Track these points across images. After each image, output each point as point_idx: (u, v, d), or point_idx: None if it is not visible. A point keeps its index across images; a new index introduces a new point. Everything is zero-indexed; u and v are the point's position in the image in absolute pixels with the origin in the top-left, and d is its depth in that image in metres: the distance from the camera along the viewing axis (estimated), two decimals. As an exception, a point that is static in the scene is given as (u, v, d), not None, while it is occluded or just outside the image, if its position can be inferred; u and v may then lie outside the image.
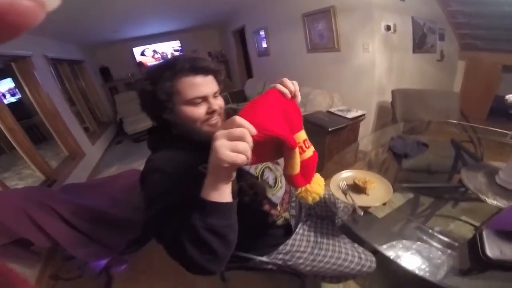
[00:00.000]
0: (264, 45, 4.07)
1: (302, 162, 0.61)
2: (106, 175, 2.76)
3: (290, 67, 3.60)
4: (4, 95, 4.88)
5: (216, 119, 0.75)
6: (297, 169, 0.59)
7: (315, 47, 2.98)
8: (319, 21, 2.72)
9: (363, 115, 2.29)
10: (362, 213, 0.88)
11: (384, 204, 0.96)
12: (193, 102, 0.70)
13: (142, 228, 1.54)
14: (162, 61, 0.73)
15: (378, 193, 0.95)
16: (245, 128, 0.47)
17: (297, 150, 0.57)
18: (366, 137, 2.20)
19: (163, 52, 5.85)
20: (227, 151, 0.46)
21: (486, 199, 0.86)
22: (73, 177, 2.73)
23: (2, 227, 1.35)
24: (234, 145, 0.46)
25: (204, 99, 0.72)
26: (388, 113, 2.28)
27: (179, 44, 5.88)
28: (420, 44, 2.54)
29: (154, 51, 5.80)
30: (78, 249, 1.52)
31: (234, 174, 0.53)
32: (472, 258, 0.65)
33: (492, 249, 0.60)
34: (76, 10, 2.44)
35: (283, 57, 3.70)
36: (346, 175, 1.07)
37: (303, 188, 0.64)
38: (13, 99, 5.05)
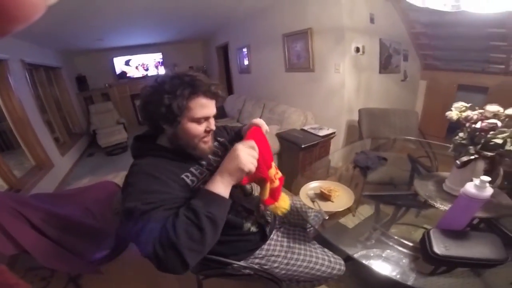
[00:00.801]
0: (246, 62, 4.24)
1: (271, 189, 0.86)
2: (76, 187, 2.66)
3: (269, 85, 3.76)
4: None
5: (209, 137, 0.85)
6: (267, 195, 0.84)
7: (292, 66, 3.17)
8: (297, 42, 2.92)
9: (334, 133, 2.46)
10: (327, 217, 0.98)
11: (353, 214, 1.08)
12: (198, 120, 0.79)
13: (123, 226, 1.48)
14: (176, 75, 0.78)
15: (342, 200, 1.06)
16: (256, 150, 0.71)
17: (268, 183, 0.82)
18: (336, 153, 2.36)
19: (143, 64, 5.84)
20: (249, 158, 0.68)
21: (435, 204, 0.99)
22: (39, 188, 2.59)
23: None
24: (252, 156, 0.69)
25: (206, 119, 0.81)
26: (356, 131, 2.46)
27: (161, 57, 5.92)
28: (386, 64, 2.78)
29: (142, 64, 5.78)
30: (49, 258, 1.43)
31: (239, 178, 0.69)
32: (423, 256, 0.75)
33: (439, 246, 0.70)
34: (63, 15, 2.43)
35: (263, 75, 3.87)
36: (314, 185, 1.17)
37: (272, 205, 0.91)
38: None
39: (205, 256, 0.93)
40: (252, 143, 0.72)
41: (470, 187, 0.72)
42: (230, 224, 0.88)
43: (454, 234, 0.75)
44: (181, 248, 0.58)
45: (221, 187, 0.66)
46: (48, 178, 2.96)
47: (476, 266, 0.73)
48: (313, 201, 1.07)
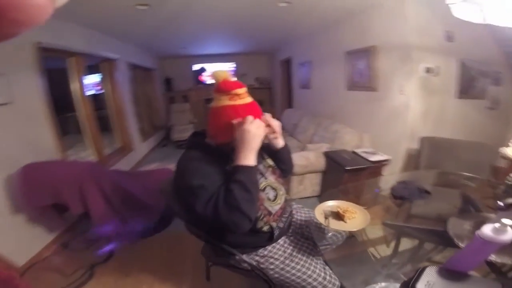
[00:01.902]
0: (307, 78, 4.29)
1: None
2: (144, 169, 3.18)
3: (328, 102, 3.71)
4: (90, 87, 5.89)
5: None
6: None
7: (354, 85, 3.06)
8: (360, 60, 2.83)
9: (387, 160, 2.26)
10: (329, 234, 0.96)
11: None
12: None
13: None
14: None
15: (355, 223, 1.01)
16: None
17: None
18: (388, 180, 2.15)
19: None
20: (257, 130, 0.88)
21: (460, 244, 0.85)
22: (118, 166, 3.21)
23: (54, 190, 1.69)
24: (257, 125, 0.89)
25: None
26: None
27: (234, 66, 6.49)
28: (466, 88, 2.38)
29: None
30: (103, 221, 1.78)
31: (259, 145, 0.89)
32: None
33: (422, 282, 0.63)
34: (157, 25, 3.01)
35: (322, 92, 3.85)
36: (332, 204, 1.14)
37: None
38: (95, 92, 6.06)
39: (216, 244, 1.05)
40: (250, 117, 0.90)
41: (487, 229, 0.62)
42: None
43: (451, 274, 0.64)
44: (243, 208, 0.82)
45: (242, 159, 0.87)
46: (127, 159, 3.63)
47: None
48: (326, 218, 1.06)
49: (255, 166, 0.89)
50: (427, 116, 2.36)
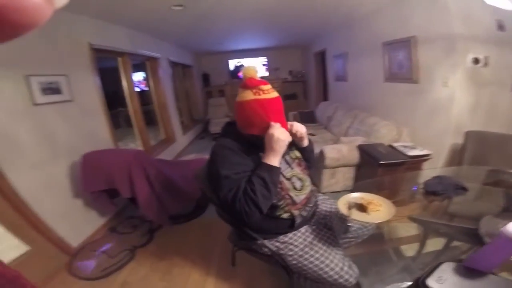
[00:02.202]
0: (342, 70, 4.14)
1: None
2: (183, 159, 3.44)
3: (364, 94, 3.56)
4: (137, 84, 6.47)
5: None
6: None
7: (392, 76, 2.90)
8: (399, 51, 2.67)
9: (428, 155, 2.12)
10: (355, 227, 0.99)
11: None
12: None
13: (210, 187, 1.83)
14: None
15: (379, 215, 1.02)
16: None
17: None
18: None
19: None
20: (280, 135, 0.97)
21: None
22: (162, 156, 3.52)
23: (109, 176, 1.94)
24: (283, 131, 0.99)
25: None
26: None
27: (266, 60, 6.54)
28: None
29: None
30: (147, 206, 1.99)
31: (283, 149, 0.99)
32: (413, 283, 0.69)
33: (433, 277, 0.63)
34: (192, 23, 3.21)
35: (359, 84, 3.69)
36: (356, 195, 1.15)
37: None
38: (138, 89, 6.63)
39: (240, 228, 1.15)
40: (278, 124, 0.99)
41: (511, 227, 0.59)
42: (272, 204, 1.06)
43: (468, 272, 0.63)
44: (259, 201, 0.94)
45: (269, 159, 0.98)
46: (169, 150, 3.95)
47: None
48: (349, 209, 1.08)
49: (279, 168, 1.01)
50: (476, 109, 2.16)
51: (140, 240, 2.12)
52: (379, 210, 1.04)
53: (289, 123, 1.12)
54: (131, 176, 1.95)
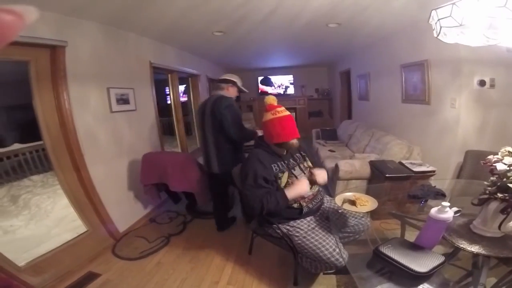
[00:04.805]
0: (365, 89, 4.39)
1: None
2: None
3: (384, 114, 3.76)
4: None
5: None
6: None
7: (409, 97, 3.11)
8: (414, 73, 2.90)
9: (432, 171, 2.30)
10: (340, 210, 1.32)
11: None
12: None
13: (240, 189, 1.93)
14: None
15: (363, 208, 1.35)
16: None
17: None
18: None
19: (281, 84, 7.10)
20: (307, 188, 1.43)
21: (447, 236, 1.08)
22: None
23: (162, 172, 2.40)
24: (306, 186, 1.45)
25: None
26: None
27: (292, 78, 6.95)
28: None
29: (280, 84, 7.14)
30: (200, 194, 2.42)
31: (302, 194, 1.46)
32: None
33: (384, 245, 0.95)
34: (229, 46, 3.74)
35: (380, 104, 3.91)
36: (349, 194, 1.49)
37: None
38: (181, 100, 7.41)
39: (263, 216, 1.55)
40: (307, 182, 1.47)
41: (434, 210, 0.89)
42: None
43: (410, 245, 0.93)
44: (264, 208, 1.38)
45: (290, 194, 1.41)
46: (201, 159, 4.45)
47: (399, 270, 0.89)
48: (343, 203, 1.41)
49: (288, 200, 1.42)
50: (483, 130, 2.31)
51: (175, 230, 2.52)
52: (365, 205, 1.36)
53: (313, 171, 1.55)
54: (184, 172, 2.39)
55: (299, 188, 1.42)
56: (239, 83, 2.33)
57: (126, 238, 2.40)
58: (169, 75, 3.65)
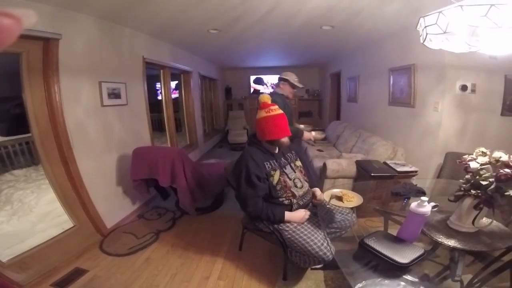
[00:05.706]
0: (354, 92, 4.51)
1: None
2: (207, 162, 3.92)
3: (371, 116, 3.89)
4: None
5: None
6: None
7: (395, 100, 3.23)
8: (402, 77, 3.01)
9: (414, 171, 2.41)
10: (327, 205, 1.38)
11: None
12: None
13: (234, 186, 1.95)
14: None
15: (349, 203, 1.42)
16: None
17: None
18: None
19: (272, 84, 7.17)
20: (304, 219, 1.52)
21: (427, 231, 1.16)
22: (187, 158, 4.02)
23: (152, 165, 2.37)
24: (305, 217, 1.55)
25: None
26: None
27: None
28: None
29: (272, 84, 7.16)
30: (182, 194, 2.41)
31: (299, 221, 1.52)
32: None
33: (369, 238, 1.01)
34: (224, 44, 3.75)
35: (367, 106, 4.03)
36: (336, 190, 1.56)
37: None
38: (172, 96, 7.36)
39: None
40: (307, 215, 1.57)
41: (414, 205, 0.96)
42: (275, 192, 1.53)
43: (393, 238, 1.00)
44: (258, 215, 1.53)
45: (287, 217, 1.51)
46: (192, 154, 4.46)
47: (383, 261, 0.95)
48: (331, 199, 1.48)
49: (283, 220, 1.53)
50: (463, 133, 2.44)
51: (164, 226, 2.52)
52: (351, 200, 1.43)
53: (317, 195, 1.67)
54: (173, 169, 2.35)
55: (297, 218, 1.53)
56: (292, 80, 2.40)
57: (114, 234, 2.38)
58: (161, 71, 3.62)
